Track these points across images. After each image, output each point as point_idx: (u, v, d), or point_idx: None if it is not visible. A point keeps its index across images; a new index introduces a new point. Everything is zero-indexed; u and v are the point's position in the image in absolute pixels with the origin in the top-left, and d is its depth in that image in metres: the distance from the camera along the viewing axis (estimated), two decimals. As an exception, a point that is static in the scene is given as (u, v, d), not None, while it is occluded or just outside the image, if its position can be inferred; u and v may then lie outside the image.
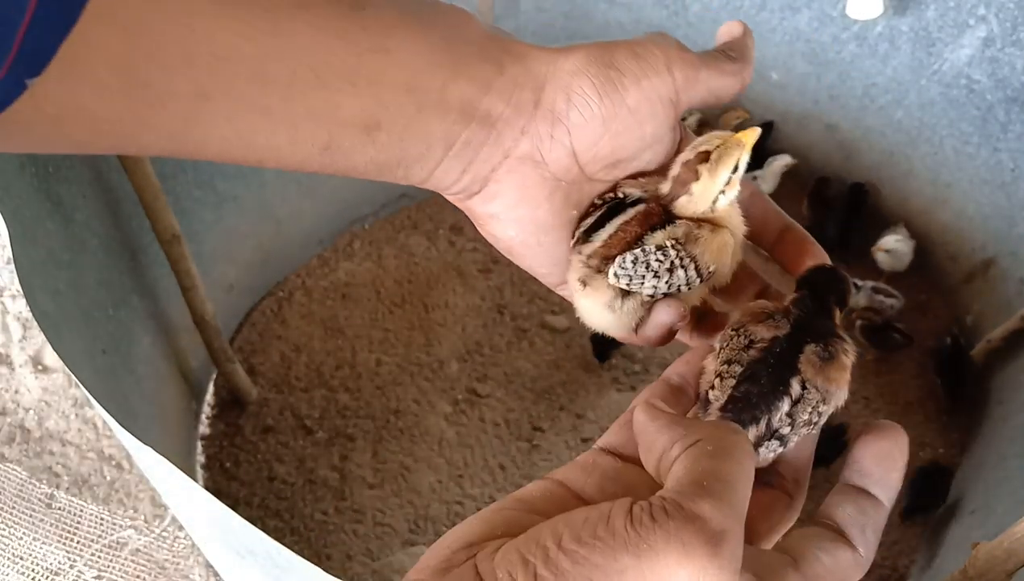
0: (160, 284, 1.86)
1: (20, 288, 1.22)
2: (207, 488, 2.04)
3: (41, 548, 1.81)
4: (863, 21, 2.28)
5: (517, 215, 0.38)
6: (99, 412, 1.41)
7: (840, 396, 0.40)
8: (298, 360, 2.36)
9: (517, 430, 2.19)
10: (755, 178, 2.57)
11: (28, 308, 1.22)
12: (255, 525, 0.91)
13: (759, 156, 2.59)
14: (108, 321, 1.62)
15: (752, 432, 0.36)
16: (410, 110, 0.33)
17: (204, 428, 2.22)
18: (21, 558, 1.79)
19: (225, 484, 2.11)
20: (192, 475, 2.05)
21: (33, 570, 1.78)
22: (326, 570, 0.88)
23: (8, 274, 2.17)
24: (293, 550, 0.87)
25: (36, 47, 0.25)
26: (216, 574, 1.87)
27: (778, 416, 0.36)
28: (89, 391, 1.10)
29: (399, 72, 0.32)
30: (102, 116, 0.28)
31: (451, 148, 0.35)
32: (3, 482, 1.90)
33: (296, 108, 0.30)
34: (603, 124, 0.37)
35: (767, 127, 2.64)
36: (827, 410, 0.36)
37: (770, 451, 0.35)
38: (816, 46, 2.44)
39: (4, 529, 1.82)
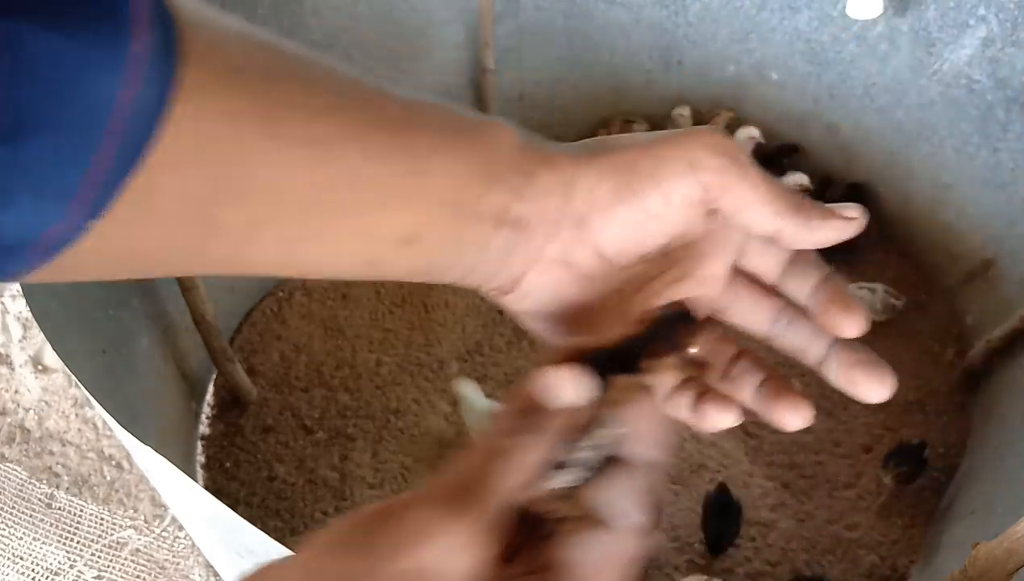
0: (160, 284, 1.86)
1: (20, 288, 1.22)
2: (207, 488, 2.04)
3: (41, 548, 1.81)
4: (863, 21, 2.28)
5: (549, 312, 0.40)
6: (99, 412, 1.41)
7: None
8: (298, 360, 2.36)
9: (517, 430, 2.18)
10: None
11: (28, 308, 1.22)
12: (255, 525, 0.91)
13: (776, 172, 2.60)
14: (108, 321, 1.62)
15: (550, 484, 0.34)
16: (447, 222, 0.34)
17: (204, 428, 2.22)
18: (21, 558, 1.79)
19: (225, 484, 2.11)
20: (192, 475, 2.05)
21: (33, 570, 1.78)
22: (326, 570, 0.88)
23: (8, 274, 2.17)
24: (293, 550, 0.87)
25: (101, 192, 0.26)
26: (216, 574, 1.87)
27: (572, 458, 0.34)
28: (89, 391, 1.10)
29: (437, 189, 0.34)
30: (158, 252, 0.29)
31: (483, 252, 0.36)
32: (3, 482, 1.90)
33: (342, 230, 0.32)
34: (623, 228, 0.37)
35: (791, 149, 2.64)
36: (624, 430, 0.34)
37: (567, 482, 0.33)
38: (816, 46, 2.44)
39: (4, 529, 1.82)
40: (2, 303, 2.15)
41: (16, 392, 2.06)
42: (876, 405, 2.23)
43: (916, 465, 1.99)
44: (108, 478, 1.96)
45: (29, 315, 2.03)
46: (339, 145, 0.31)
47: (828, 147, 2.62)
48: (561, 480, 0.34)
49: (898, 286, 2.54)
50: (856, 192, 2.54)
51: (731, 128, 2.71)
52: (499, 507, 0.31)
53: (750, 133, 2.61)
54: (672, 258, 0.39)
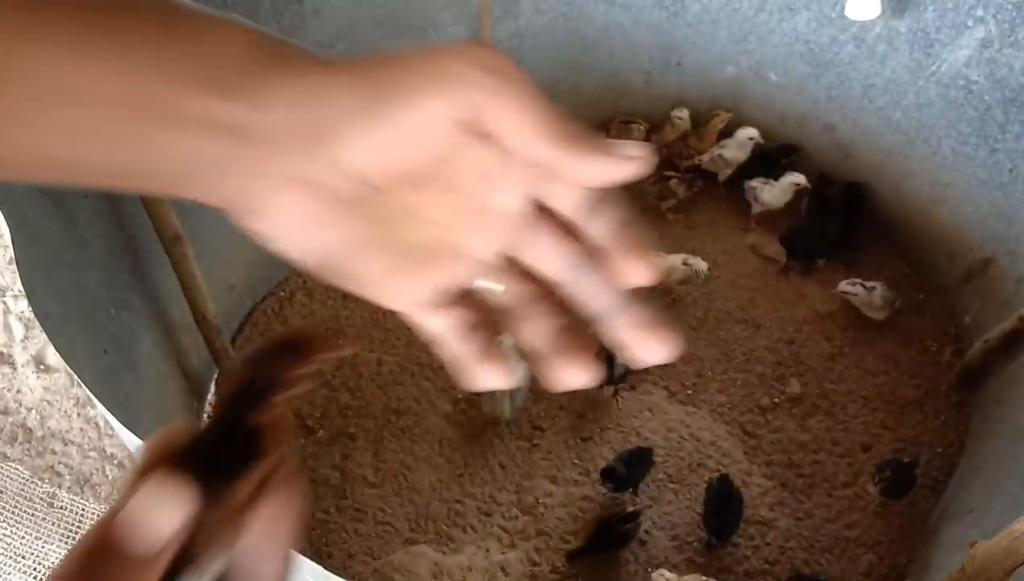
0: (162, 284, 1.87)
1: (22, 288, 1.23)
2: (208, 487, 2.05)
3: (43, 547, 1.82)
4: (861, 22, 2.28)
5: (300, 239, 0.34)
6: (101, 411, 1.42)
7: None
8: (299, 360, 2.36)
9: (517, 429, 2.19)
10: (766, 184, 2.58)
11: (30, 308, 1.23)
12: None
13: (774, 172, 2.62)
14: (110, 321, 1.62)
15: None
16: (145, 123, 0.30)
17: (205, 427, 2.22)
18: (23, 557, 1.79)
19: (226, 483, 2.11)
20: (193, 474, 2.05)
21: (35, 569, 1.78)
22: (327, 568, 0.89)
23: (10, 274, 2.18)
24: (294, 549, 0.88)
25: None
26: (217, 573, 1.88)
27: None
28: (91, 391, 1.11)
29: (136, 87, 0.30)
30: None
31: (196, 162, 0.31)
32: (5, 481, 1.91)
33: (46, 122, 0.29)
34: (377, 147, 0.32)
35: (790, 149, 2.66)
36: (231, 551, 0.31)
37: None
38: (815, 47, 2.45)
39: (6, 528, 1.83)
40: (4, 303, 2.16)
41: (18, 392, 2.07)
42: (875, 405, 2.24)
43: (905, 481, 1.98)
44: (110, 477, 1.97)
45: (31, 315, 2.04)
46: (30, 38, 0.28)
47: (827, 147, 2.63)
48: None
49: (896, 286, 2.54)
50: (855, 191, 2.55)
51: (730, 128, 2.72)
52: None
53: (749, 133, 2.62)
54: (453, 185, 0.35)
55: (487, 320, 0.38)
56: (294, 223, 0.33)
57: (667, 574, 1.78)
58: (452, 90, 0.32)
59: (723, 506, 1.95)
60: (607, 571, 1.95)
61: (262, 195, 0.33)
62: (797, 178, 2.51)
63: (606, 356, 2.07)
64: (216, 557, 0.30)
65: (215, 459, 0.31)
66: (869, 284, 2.34)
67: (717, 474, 2.09)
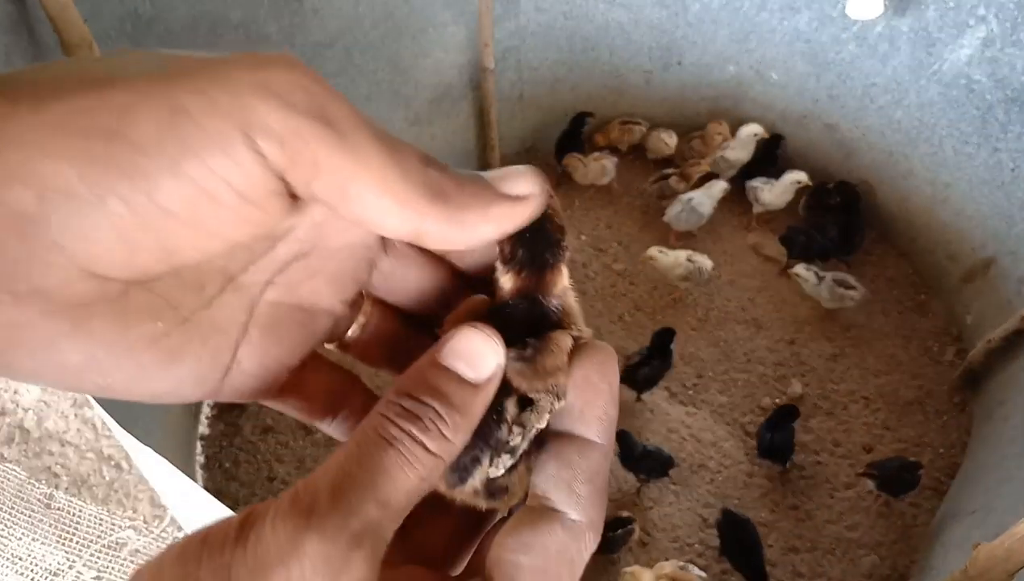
0: (160, 284, 1.86)
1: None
2: (207, 488, 2.04)
3: (40, 548, 1.81)
4: (863, 21, 2.28)
5: (12, 360, 0.23)
6: (98, 412, 1.41)
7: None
8: (298, 360, 2.35)
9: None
10: (766, 182, 2.58)
11: (28, 308, 1.21)
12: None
13: (773, 169, 2.61)
14: (108, 321, 1.61)
15: (477, 476, 0.29)
16: None
17: (203, 428, 2.22)
18: (20, 558, 1.78)
19: (225, 484, 2.10)
20: (192, 475, 2.04)
21: (32, 570, 1.77)
22: (326, 570, 0.88)
23: (7, 274, 2.17)
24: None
25: None
26: (216, 574, 1.87)
27: (501, 440, 0.29)
28: (89, 391, 1.10)
29: None
30: None
31: None
32: (2, 482, 1.90)
33: None
34: (116, 233, 0.22)
35: (775, 140, 2.65)
36: (562, 403, 0.29)
37: (500, 467, 0.28)
38: (816, 46, 2.44)
39: (3, 529, 1.82)
40: (1, 303, 2.15)
41: (15, 392, 2.06)
42: (876, 405, 2.23)
43: (906, 481, 1.96)
44: (107, 478, 1.96)
45: (29, 315, 2.03)
46: None
47: (827, 147, 2.62)
48: (479, 474, 0.28)
49: (897, 286, 2.54)
50: (848, 190, 2.54)
51: (732, 128, 2.72)
52: (387, 513, 0.24)
53: (753, 130, 2.61)
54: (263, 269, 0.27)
55: None
56: None
57: (634, 569, 1.77)
58: (244, 142, 0.22)
59: (738, 546, 1.89)
60: (609, 571, 1.94)
61: None
62: (798, 176, 2.51)
63: (631, 365, 2.12)
64: (544, 407, 0.28)
65: (515, 329, 0.29)
66: (822, 274, 2.34)
67: (718, 475, 2.08)
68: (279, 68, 0.23)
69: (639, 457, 1.99)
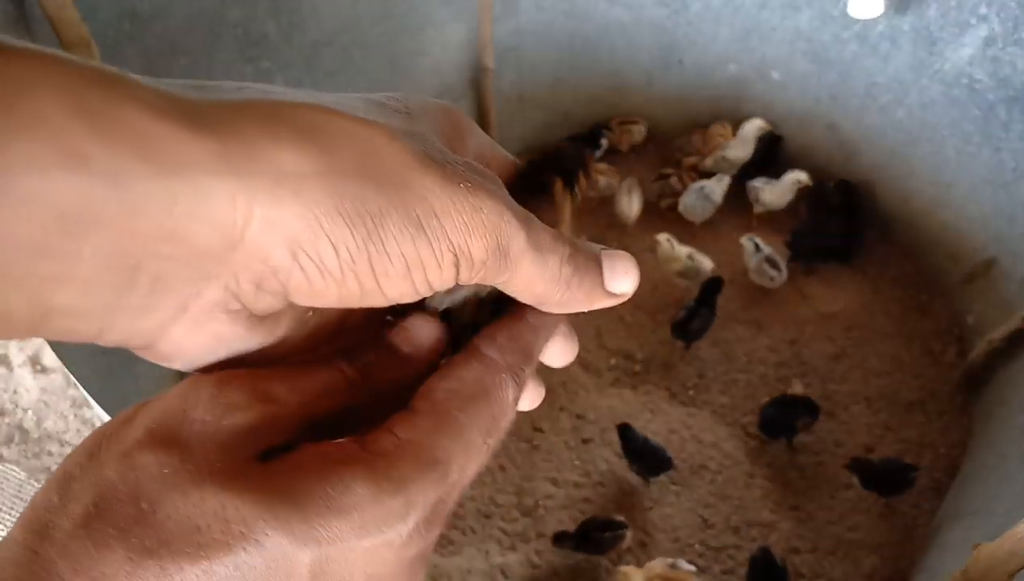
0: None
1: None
2: (206, 488, 2.04)
3: (40, 549, 1.80)
4: (864, 20, 2.27)
5: (212, 359, 0.28)
6: (98, 412, 1.41)
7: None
8: (298, 360, 2.35)
9: (517, 430, 2.18)
10: (767, 183, 2.57)
11: (25, 308, 1.21)
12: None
13: (773, 169, 2.61)
14: (106, 321, 1.61)
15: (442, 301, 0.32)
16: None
17: (203, 428, 2.22)
18: (19, 559, 1.78)
19: (224, 484, 2.10)
20: (191, 475, 2.04)
21: (31, 571, 1.77)
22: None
23: (7, 274, 2.17)
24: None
25: None
26: (215, 575, 1.87)
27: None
28: (88, 391, 1.10)
29: None
30: None
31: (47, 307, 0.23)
32: (1, 483, 1.90)
33: None
34: (343, 286, 0.26)
35: (775, 140, 2.65)
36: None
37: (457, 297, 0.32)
38: (817, 45, 2.44)
39: (3, 529, 1.81)
40: (1, 303, 2.15)
41: (14, 392, 2.06)
42: (877, 406, 2.22)
43: (896, 482, 1.95)
44: (107, 478, 1.96)
45: (28, 315, 2.03)
46: None
47: (829, 146, 2.61)
48: (442, 301, 0.31)
49: (899, 286, 2.53)
50: (849, 189, 2.54)
51: (734, 126, 2.71)
52: None
53: (757, 125, 2.60)
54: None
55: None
56: (202, 350, 0.27)
57: (625, 569, 1.77)
58: (450, 269, 0.27)
59: None
60: (599, 573, 1.94)
61: (171, 331, 0.26)
62: (799, 175, 2.50)
63: (680, 320, 2.23)
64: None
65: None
66: (762, 246, 2.38)
67: (719, 475, 2.07)
68: (490, 206, 0.27)
69: (639, 450, 1.99)
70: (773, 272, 2.36)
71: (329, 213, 0.24)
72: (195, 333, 0.26)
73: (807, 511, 2.05)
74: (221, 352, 0.27)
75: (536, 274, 0.29)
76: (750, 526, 2.01)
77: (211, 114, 0.23)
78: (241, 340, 0.27)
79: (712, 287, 2.25)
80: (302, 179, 0.24)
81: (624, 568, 1.76)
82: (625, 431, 2.00)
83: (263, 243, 0.24)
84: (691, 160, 2.64)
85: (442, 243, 0.26)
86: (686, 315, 2.23)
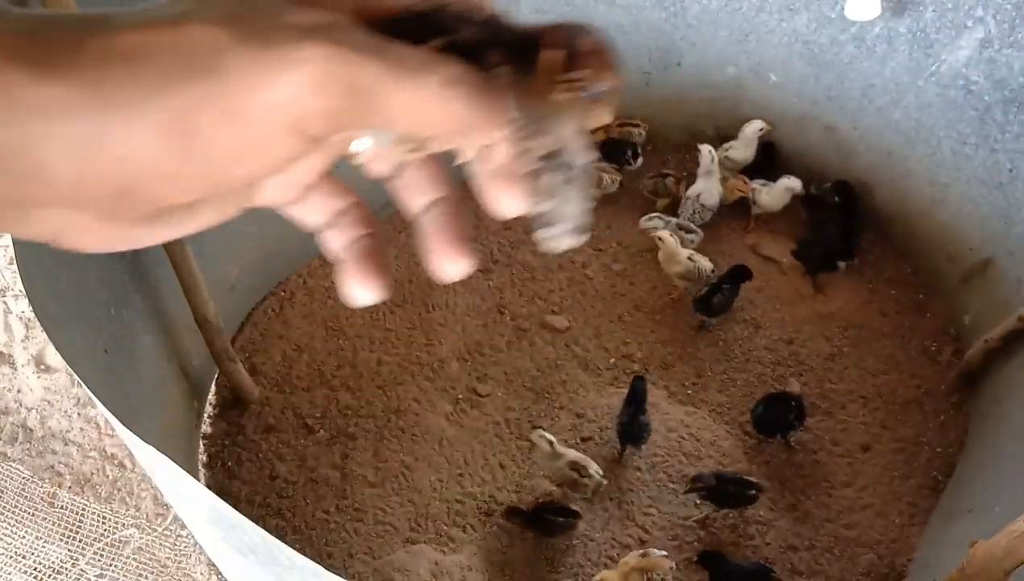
0: (162, 284, 1.87)
1: (23, 288, 1.23)
2: (209, 487, 2.05)
3: (43, 547, 1.82)
4: (861, 22, 2.29)
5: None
6: (101, 411, 1.42)
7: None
8: (299, 359, 2.37)
9: (517, 429, 2.20)
10: (764, 185, 2.58)
11: (31, 308, 1.23)
12: (257, 524, 0.92)
13: (771, 170, 2.63)
14: (110, 320, 1.63)
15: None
16: None
17: (206, 427, 2.23)
18: (23, 556, 1.80)
19: (227, 483, 2.12)
20: (194, 474, 2.06)
21: (36, 568, 1.79)
22: (327, 568, 0.89)
23: (11, 274, 2.18)
24: (295, 549, 0.88)
25: None
26: (218, 573, 1.88)
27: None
28: (91, 390, 1.11)
29: None
30: None
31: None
32: (6, 481, 1.91)
33: None
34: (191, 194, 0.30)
35: (768, 148, 2.68)
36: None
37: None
38: (814, 47, 2.45)
39: (7, 528, 1.83)
40: (4, 303, 2.16)
41: (19, 392, 2.07)
42: (874, 404, 2.24)
43: (730, 495, 1.95)
44: (110, 477, 1.97)
45: (31, 315, 2.04)
46: None
47: (826, 147, 2.63)
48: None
49: (895, 286, 2.55)
50: (846, 189, 2.55)
51: (733, 129, 2.72)
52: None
53: (758, 126, 2.61)
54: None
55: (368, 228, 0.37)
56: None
57: (605, 573, 1.80)
58: (294, 134, 0.28)
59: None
60: (551, 555, 1.95)
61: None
62: (792, 183, 2.52)
63: (703, 295, 2.28)
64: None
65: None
66: (667, 218, 2.46)
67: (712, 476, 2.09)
68: (312, 61, 0.27)
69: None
70: (691, 235, 2.44)
71: (160, 134, 0.27)
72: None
73: (804, 509, 2.06)
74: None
75: (419, 105, 0.29)
76: (748, 524, 2.03)
77: (57, 56, 0.26)
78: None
79: (739, 273, 2.32)
80: (140, 103, 0.27)
81: (600, 575, 1.79)
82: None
83: (118, 170, 0.27)
84: (664, 202, 2.65)
85: (265, 120, 0.27)
86: (709, 290, 2.29)
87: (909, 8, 2.19)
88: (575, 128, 0.32)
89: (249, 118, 0.27)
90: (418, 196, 0.37)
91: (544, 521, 1.91)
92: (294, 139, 0.29)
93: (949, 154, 2.27)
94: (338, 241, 0.37)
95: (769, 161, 2.67)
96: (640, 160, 2.77)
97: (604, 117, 0.33)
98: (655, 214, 2.51)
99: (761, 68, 2.60)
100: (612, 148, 2.79)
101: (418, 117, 0.30)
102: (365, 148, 0.34)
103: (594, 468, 1.97)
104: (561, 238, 0.33)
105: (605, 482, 2.00)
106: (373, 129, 0.31)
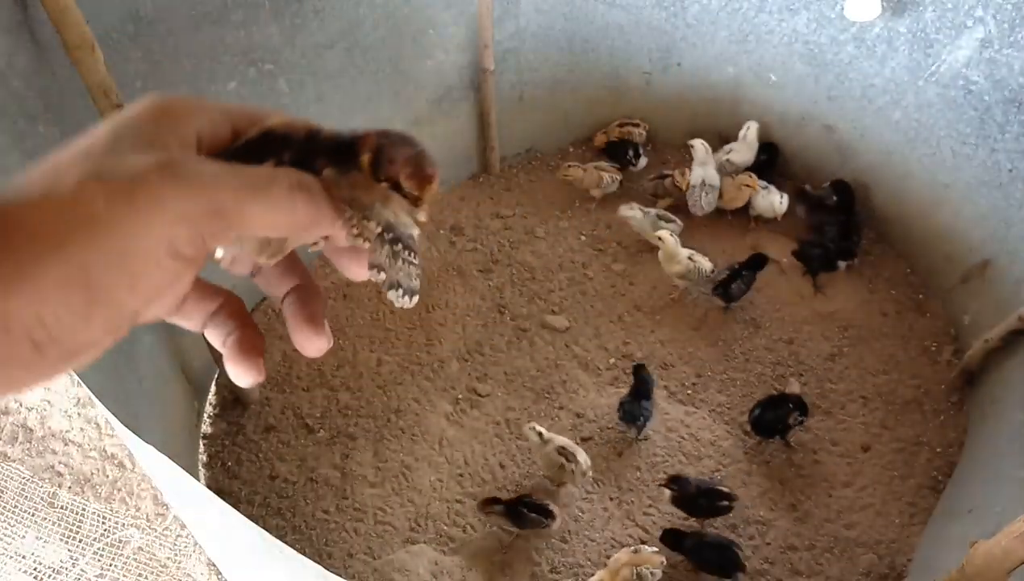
0: (162, 284, 1.86)
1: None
2: (209, 487, 2.05)
3: (44, 546, 1.82)
4: (861, 23, 2.29)
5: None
6: (101, 411, 1.42)
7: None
8: (299, 360, 2.37)
9: (517, 429, 2.20)
10: (766, 187, 2.59)
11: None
12: (257, 524, 0.92)
13: (768, 173, 2.63)
14: (110, 321, 1.62)
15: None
16: None
17: (206, 427, 2.23)
18: (24, 556, 1.80)
19: (227, 483, 2.12)
20: (194, 474, 2.06)
21: (36, 568, 1.78)
22: (327, 568, 0.89)
23: (10, 274, 2.18)
24: (295, 548, 0.88)
25: None
26: (218, 572, 1.88)
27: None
28: (91, 390, 1.11)
29: None
30: None
31: None
32: (6, 481, 1.91)
33: None
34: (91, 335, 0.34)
35: (768, 148, 2.70)
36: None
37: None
38: (814, 47, 2.45)
39: (7, 528, 1.83)
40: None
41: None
42: (874, 404, 2.24)
43: (700, 506, 1.94)
44: (110, 477, 1.97)
45: (31, 315, 2.04)
46: None
47: (826, 147, 2.63)
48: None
49: (895, 286, 2.55)
50: (843, 187, 2.54)
51: (733, 131, 2.72)
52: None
53: (756, 126, 2.62)
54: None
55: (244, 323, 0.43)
56: None
57: (599, 574, 1.81)
58: (168, 261, 0.33)
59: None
60: (524, 549, 1.95)
61: None
62: (775, 198, 2.56)
63: (722, 280, 2.33)
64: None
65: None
66: (646, 209, 2.47)
67: (717, 473, 2.09)
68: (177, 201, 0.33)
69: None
70: (671, 225, 2.46)
71: (58, 291, 0.31)
72: None
73: (804, 509, 2.06)
74: None
75: (270, 212, 0.35)
76: (748, 524, 2.03)
77: None
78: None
79: (757, 260, 2.36)
80: (40, 264, 0.31)
81: (599, 574, 1.80)
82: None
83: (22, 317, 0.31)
84: (666, 202, 2.65)
85: (148, 254, 0.33)
86: (729, 275, 2.34)
87: (909, 8, 2.19)
88: (396, 212, 0.39)
89: (135, 256, 0.32)
90: (278, 287, 0.44)
91: (518, 514, 1.92)
92: (175, 262, 0.34)
93: (949, 154, 2.27)
94: (215, 338, 0.43)
95: (770, 161, 2.67)
96: (643, 160, 2.78)
97: (422, 216, 0.40)
98: (635, 203, 2.51)
99: (761, 68, 2.60)
100: (614, 147, 2.80)
101: (272, 222, 0.36)
102: (226, 254, 0.41)
103: (582, 456, 1.99)
104: (400, 299, 0.39)
105: (590, 473, 2.02)
106: (236, 238, 0.36)
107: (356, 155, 0.38)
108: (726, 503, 1.95)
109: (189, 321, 0.43)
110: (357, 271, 0.42)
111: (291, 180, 0.36)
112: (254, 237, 0.38)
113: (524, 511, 1.92)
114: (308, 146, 0.39)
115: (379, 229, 0.39)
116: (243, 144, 0.38)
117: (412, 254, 0.40)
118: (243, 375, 0.42)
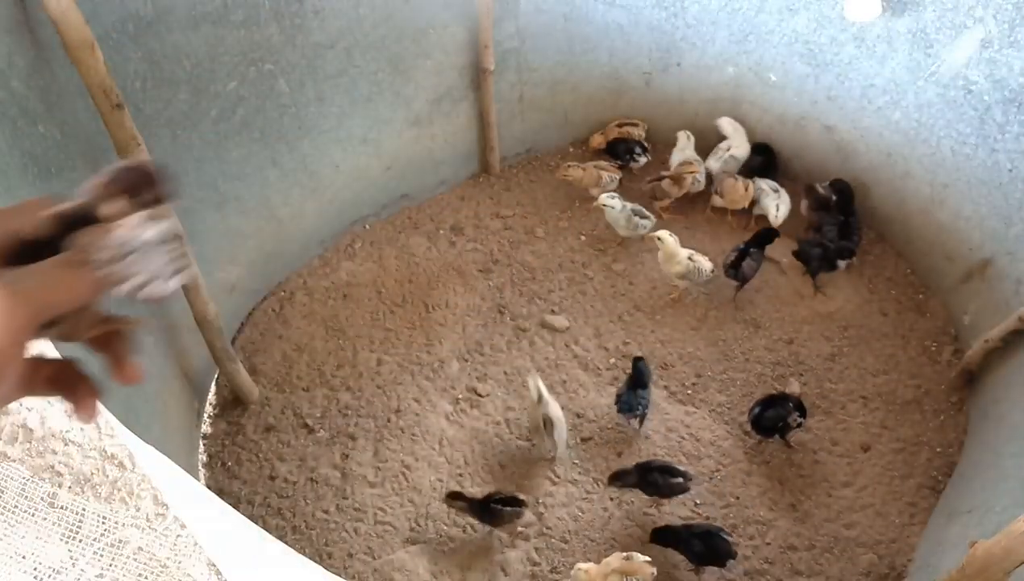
0: (162, 284, 1.86)
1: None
2: (209, 487, 2.05)
3: (43, 547, 1.81)
4: (861, 23, 2.29)
5: None
6: (101, 410, 1.41)
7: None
8: (299, 359, 2.37)
9: (517, 429, 2.20)
10: (773, 190, 2.60)
11: (32, 308, 1.22)
12: (257, 523, 0.92)
13: (769, 173, 2.64)
14: (110, 321, 1.62)
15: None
16: None
17: (206, 427, 2.23)
18: (23, 557, 1.79)
19: (227, 483, 2.12)
20: (194, 474, 2.05)
21: (35, 568, 1.78)
22: (327, 568, 0.89)
23: (10, 274, 2.18)
24: (295, 548, 0.88)
25: None
26: (218, 572, 1.88)
27: None
28: (92, 390, 1.11)
29: None
30: None
31: None
32: (5, 481, 1.91)
33: None
34: None
35: (768, 148, 2.70)
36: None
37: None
38: (814, 47, 2.45)
39: (6, 528, 1.82)
40: (4, 303, 2.16)
41: (18, 392, 2.07)
42: (874, 404, 2.24)
43: (657, 485, 1.95)
44: (110, 477, 1.97)
45: (31, 315, 2.03)
46: None
47: (826, 147, 2.63)
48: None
49: (895, 286, 2.55)
50: (842, 186, 2.54)
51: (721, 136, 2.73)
52: None
53: (729, 122, 2.67)
54: None
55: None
56: None
57: (583, 565, 1.80)
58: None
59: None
60: (495, 544, 1.95)
61: None
62: (769, 203, 2.57)
63: (731, 261, 2.33)
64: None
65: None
66: (625, 203, 2.48)
67: (717, 473, 2.08)
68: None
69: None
70: (643, 221, 2.48)
71: None
72: None
73: (804, 509, 2.06)
74: None
75: (71, 286, 0.42)
76: (748, 524, 2.03)
77: None
78: None
79: (766, 235, 2.36)
80: None
81: (583, 565, 1.78)
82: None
83: None
84: (664, 203, 2.66)
85: None
86: (737, 255, 2.33)
87: (909, 8, 2.19)
88: (132, 230, 0.45)
89: None
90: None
91: (490, 511, 1.92)
92: (15, 349, 0.39)
93: (949, 154, 2.27)
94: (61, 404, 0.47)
95: (770, 162, 2.67)
96: (644, 157, 2.78)
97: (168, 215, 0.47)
98: (616, 193, 2.52)
99: (761, 68, 2.60)
100: (614, 146, 2.80)
101: (76, 295, 0.42)
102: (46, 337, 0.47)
103: (560, 434, 2.03)
104: (158, 288, 0.45)
105: (557, 452, 2.07)
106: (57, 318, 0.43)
107: (95, 211, 0.45)
108: (680, 480, 1.97)
109: (35, 392, 0.49)
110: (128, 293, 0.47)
111: (72, 259, 0.42)
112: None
113: (497, 507, 1.92)
114: (62, 226, 0.44)
115: (128, 248, 0.45)
116: (15, 252, 0.43)
117: (165, 246, 0.46)
118: (80, 421, 0.46)
